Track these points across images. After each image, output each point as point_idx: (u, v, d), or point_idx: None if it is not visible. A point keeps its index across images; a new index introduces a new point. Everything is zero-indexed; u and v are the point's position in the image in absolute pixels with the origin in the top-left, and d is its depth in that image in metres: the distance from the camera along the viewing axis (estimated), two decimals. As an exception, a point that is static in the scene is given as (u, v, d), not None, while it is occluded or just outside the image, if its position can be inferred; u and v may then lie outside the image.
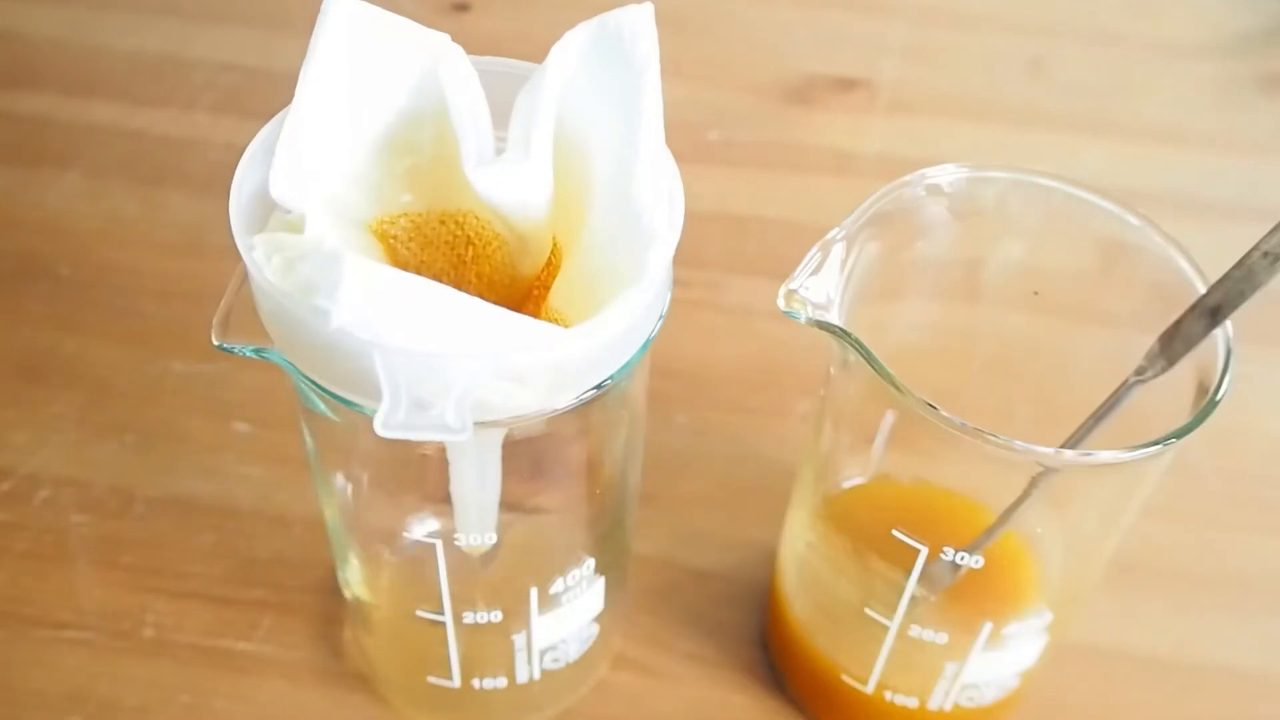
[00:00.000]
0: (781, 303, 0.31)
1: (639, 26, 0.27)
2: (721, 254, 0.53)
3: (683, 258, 0.27)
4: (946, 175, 0.33)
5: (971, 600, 0.34)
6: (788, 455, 0.46)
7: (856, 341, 0.30)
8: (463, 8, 0.63)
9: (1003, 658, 0.35)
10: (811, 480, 0.36)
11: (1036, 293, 0.35)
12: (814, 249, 0.31)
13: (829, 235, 0.31)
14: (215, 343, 0.28)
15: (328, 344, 0.24)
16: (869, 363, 0.30)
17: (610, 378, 0.27)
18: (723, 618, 0.42)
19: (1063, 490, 0.32)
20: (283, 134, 0.27)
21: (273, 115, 0.28)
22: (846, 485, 0.37)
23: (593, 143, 0.27)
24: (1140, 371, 0.31)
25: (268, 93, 0.57)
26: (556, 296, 0.28)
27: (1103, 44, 0.64)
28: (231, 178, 0.27)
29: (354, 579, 0.37)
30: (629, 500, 0.37)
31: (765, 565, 0.43)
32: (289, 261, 0.25)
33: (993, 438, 0.28)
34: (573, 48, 0.27)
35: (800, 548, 0.37)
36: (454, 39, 0.28)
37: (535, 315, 0.28)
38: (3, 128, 0.56)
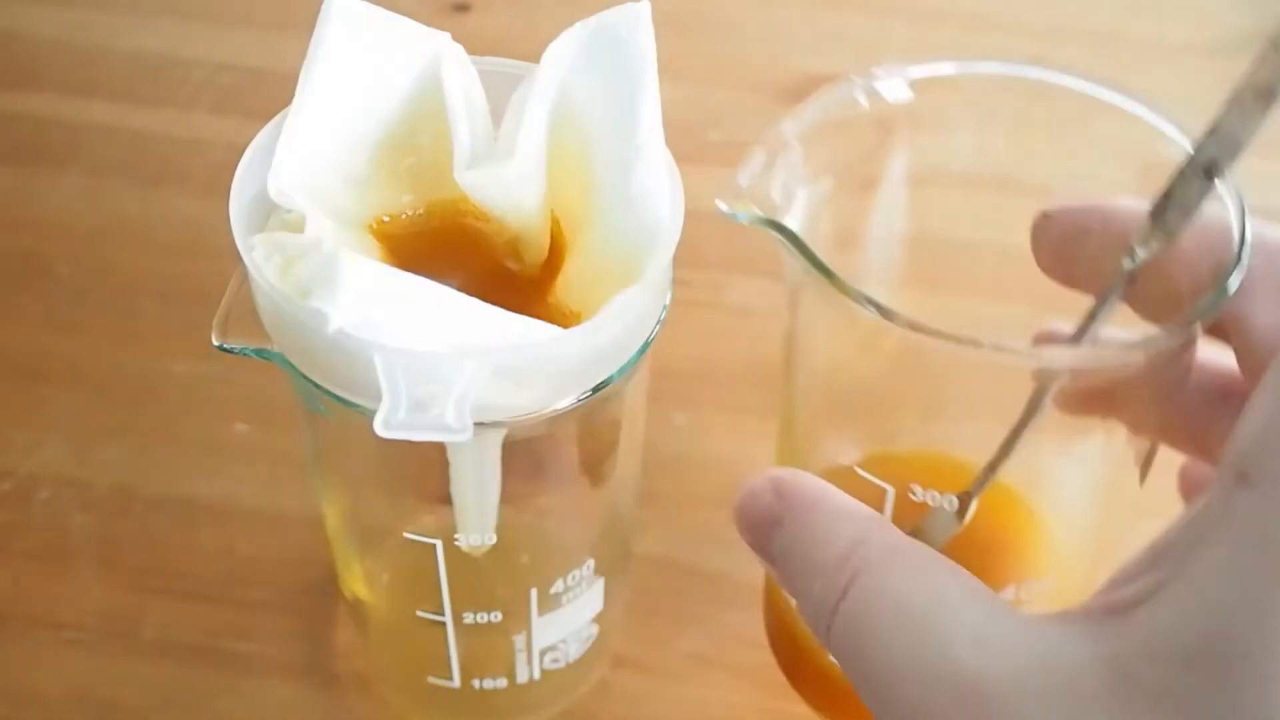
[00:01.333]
0: (723, 205, 0.28)
1: (636, 25, 0.27)
2: (721, 254, 0.53)
3: (683, 258, 0.27)
4: (897, 72, 0.30)
5: (981, 565, 0.32)
6: (788, 455, 0.46)
7: (797, 239, 0.26)
8: (463, 8, 0.63)
9: None
10: (790, 460, 0.34)
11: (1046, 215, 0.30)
12: (759, 149, 0.28)
13: (776, 132, 0.28)
14: (215, 343, 0.28)
15: (328, 344, 0.24)
16: (812, 265, 0.26)
17: (610, 378, 0.27)
18: (723, 618, 0.42)
19: (1066, 438, 0.29)
20: (283, 134, 0.27)
21: (273, 115, 0.28)
22: (832, 454, 0.34)
23: (592, 142, 0.27)
24: (1131, 251, 0.27)
25: (268, 93, 0.57)
26: (560, 295, 0.28)
27: (1103, 44, 0.64)
28: (231, 178, 0.27)
29: (354, 579, 0.37)
30: (629, 500, 0.37)
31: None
32: (288, 261, 0.25)
33: (984, 342, 0.24)
34: (568, 47, 0.27)
35: None
36: (454, 39, 0.28)
37: (536, 314, 0.28)
38: (3, 128, 0.56)
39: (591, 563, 0.35)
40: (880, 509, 0.30)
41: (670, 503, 0.44)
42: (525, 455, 0.31)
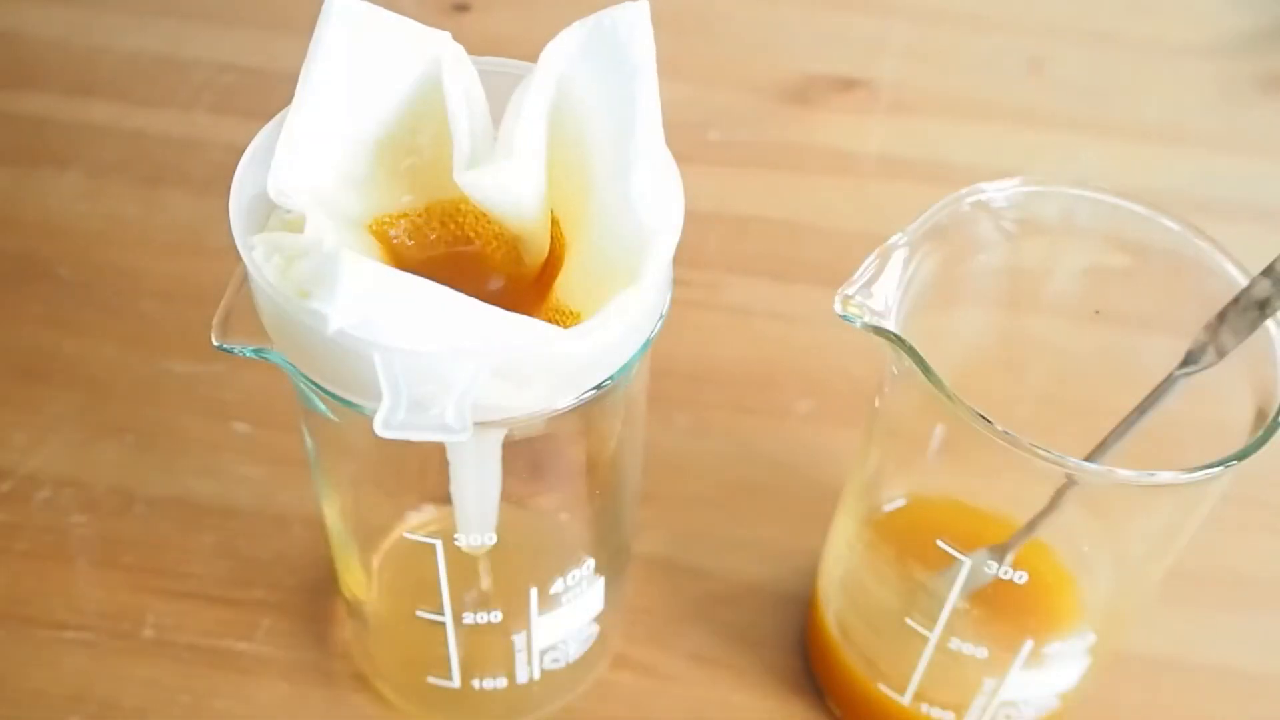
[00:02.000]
0: (838, 307, 0.30)
1: (634, 24, 0.27)
2: (721, 254, 0.53)
3: (683, 258, 0.27)
4: (1005, 189, 0.33)
5: (1013, 616, 0.34)
6: (788, 455, 0.46)
7: (911, 349, 0.29)
8: (463, 8, 0.63)
9: (1042, 677, 0.34)
10: (858, 492, 0.36)
11: (1098, 311, 0.34)
12: (872, 255, 0.31)
13: (889, 242, 0.31)
14: (215, 343, 0.28)
15: (327, 344, 0.24)
16: (922, 371, 0.29)
17: (610, 378, 0.27)
18: (723, 617, 0.42)
19: (1106, 506, 0.32)
20: (283, 134, 0.27)
21: (273, 115, 0.28)
22: (893, 499, 0.37)
23: (591, 142, 0.27)
24: (1186, 364, 0.30)
25: (268, 93, 0.57)
26: (561, 294, 0.28)
27: (1103, 44, 0.64)
28: (231, 178, 0.27)
29: (354, 579, 0.37)
30: (629, 500, 0.37)
31: (765, 565, 0.43)
32: (288, 261, 0.25)
33: (1043, 451, 0.28)
34: (566, 47, 0.27)
35: (843, 555, 0.37)
36: (454, 39, 0.28)
37: (536, 315, 0.28)
38: (3, 128, 0.56)
39: (591, 563, 0.35)
40: (944, 567, 0.32)
41: (670, 503, 0.44)
42: (525, 455, 0.31)
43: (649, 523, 0.43)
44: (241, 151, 0.27)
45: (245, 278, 0.27)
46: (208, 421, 0.46)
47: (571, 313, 0.28)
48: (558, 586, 0.34)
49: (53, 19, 0.61)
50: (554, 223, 0.29)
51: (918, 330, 0.31)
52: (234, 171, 0.27)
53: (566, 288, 0.28)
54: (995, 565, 0.32)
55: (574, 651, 0.37)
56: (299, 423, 0.32)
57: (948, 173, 0.56)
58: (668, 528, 0.44)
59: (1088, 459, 0.31)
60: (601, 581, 0.36)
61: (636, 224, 0.26)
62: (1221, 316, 0.30)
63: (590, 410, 0.29)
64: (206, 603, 0.41)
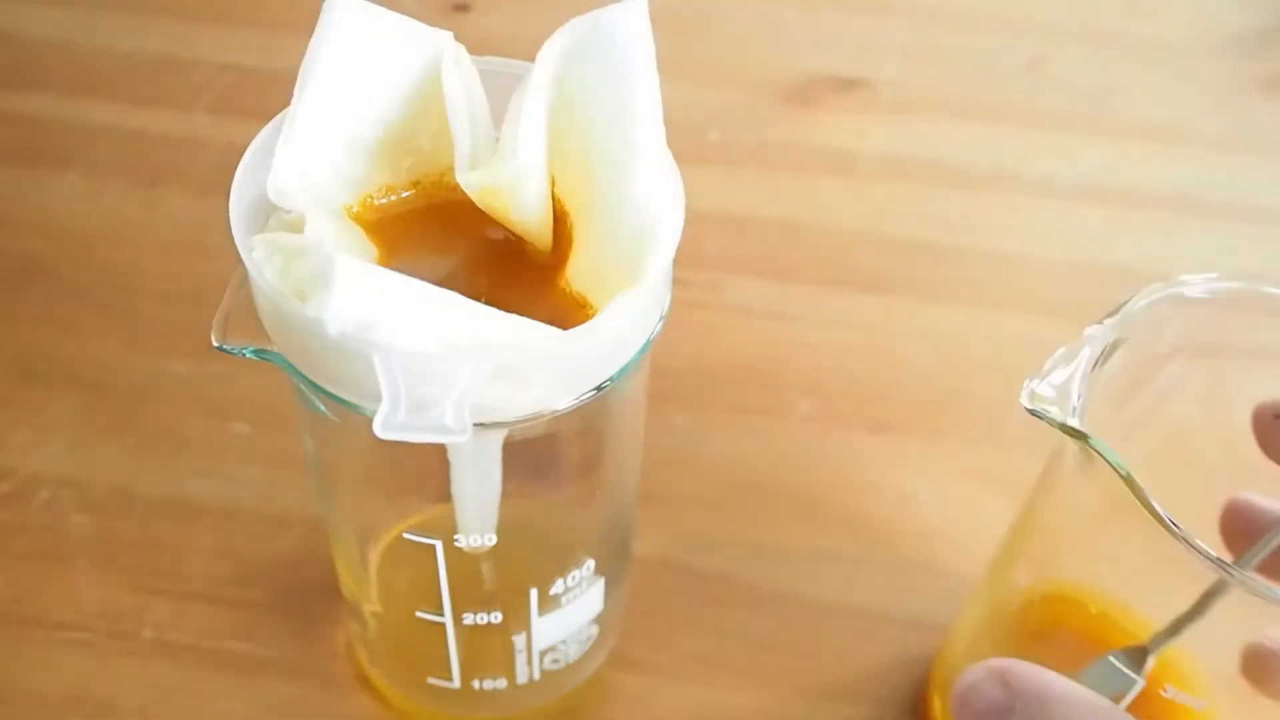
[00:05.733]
0: (1025, 400, 0.29)
1: (633, 24, 0.27)
2: (721, 254, 0.53)
3: (682, 258, 0.27)
4: (1201, 286, 0.31)
5: None
6: (788, 455, 0.46)
7: (1110, 453, 0.28)
8: (463, 8, 0.63)
9: None
10: (997, 573, 0.34)
11: (1278, 417, 0.32)
12: (1060, 349, 0.29)
13: (1085, 334, 0.30)
14: (215, 343, 0.28)
15: (327, 345, 0.24)
16: (1122, 479, 0.27)
17: (610, 378, 0.27)
18: (723, 618, 0.42)
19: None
20: (283, 134, 0.27)
21: (273, 115, 0.28)
22: (1032, 581, 0.35)
23: (592, 141, 0.27)
24: None
25: (268, 93, 0.57)
26: (569, 281, 0.28)
27: (1103, 44, 0.64)
28: (231, 178, 0.27)
29: (353, 580, 0.37)
30: (629, 500, 0.37)
31: (764, 565, 0.43)
32: (288, 261, 0.25)
33: (1242, 576, 0.26)
34: (563, 46, 0.27)
35: (971, 635, 0.36)
36: (454, 39, 0.28)
37: (547, 299, 0.28)
38: (3, 128, 0.56)
39: (591, 563, 0.35)
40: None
41: (670, 503, 0.44)
42: (525, 455, 0.31)
43: (649, 523, 0.43)
44: (241, 151, 0.27)
45: (245, 278, 0.27)
46: (208, 421, 0.46)
47: (580, 296, 0.28)
48: (558, 587, 0.34)
49: (53, 19, 0.61)
50: (558, 202, 0.29)
51: (1100, 424, 0.29)
52: (234, 171, 0.27)
53: (575, 274, 0.28)
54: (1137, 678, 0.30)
55: (574, 652, 0.37)
56: (299, 423, 0.32)
57: (948, 173, 0.56)
58: (668, 528, 0.44)
59: (1237, 560, 0.30)
60: (601, 582, 0.36)
61: (637, 224, 0.26)
62: None
63: (590, 410, 0.29)
64: (206, 603, 0.41)
